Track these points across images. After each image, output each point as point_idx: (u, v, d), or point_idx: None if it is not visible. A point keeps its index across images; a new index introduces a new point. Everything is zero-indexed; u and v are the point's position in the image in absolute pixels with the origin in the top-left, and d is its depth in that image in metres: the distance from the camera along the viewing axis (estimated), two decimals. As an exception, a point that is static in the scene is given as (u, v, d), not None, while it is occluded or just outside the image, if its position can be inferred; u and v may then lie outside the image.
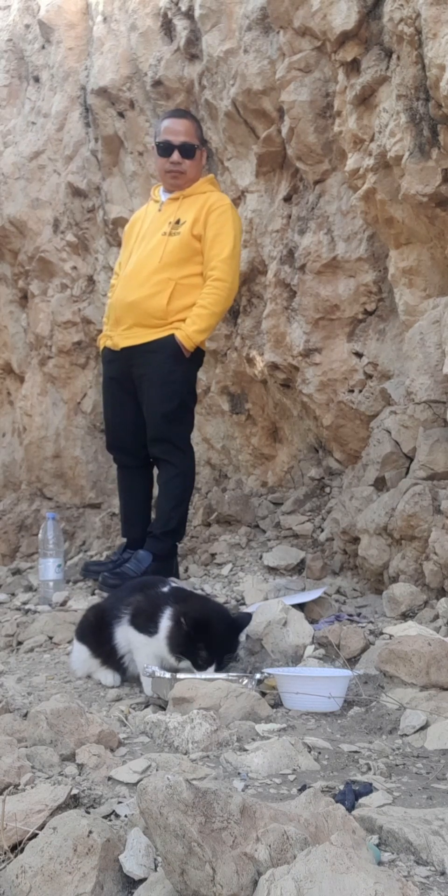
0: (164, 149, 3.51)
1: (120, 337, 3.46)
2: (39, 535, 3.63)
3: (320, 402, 3.77)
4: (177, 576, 3.41)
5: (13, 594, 3.69)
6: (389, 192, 3.08)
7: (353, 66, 3.12)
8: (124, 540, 3.64)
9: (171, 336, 3.34)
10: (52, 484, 5.75)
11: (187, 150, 3.49)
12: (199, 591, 3.02)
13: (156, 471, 3.60)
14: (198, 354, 3.48)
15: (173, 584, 2.36)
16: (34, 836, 1.05)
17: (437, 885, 0.98)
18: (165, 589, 2.26)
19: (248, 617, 2.25)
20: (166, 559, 3.40)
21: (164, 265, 3.39)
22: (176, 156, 3.48)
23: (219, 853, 0.90)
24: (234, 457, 4.78)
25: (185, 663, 2.03)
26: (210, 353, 4.44)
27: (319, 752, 1.53)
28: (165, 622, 2.08)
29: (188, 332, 3.32)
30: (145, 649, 2.09)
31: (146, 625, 2.10)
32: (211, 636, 2.03)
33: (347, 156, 3.30)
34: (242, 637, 2.28)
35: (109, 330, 3.57)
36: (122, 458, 3.64)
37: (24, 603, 3.45)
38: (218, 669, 2.02)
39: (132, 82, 4.67)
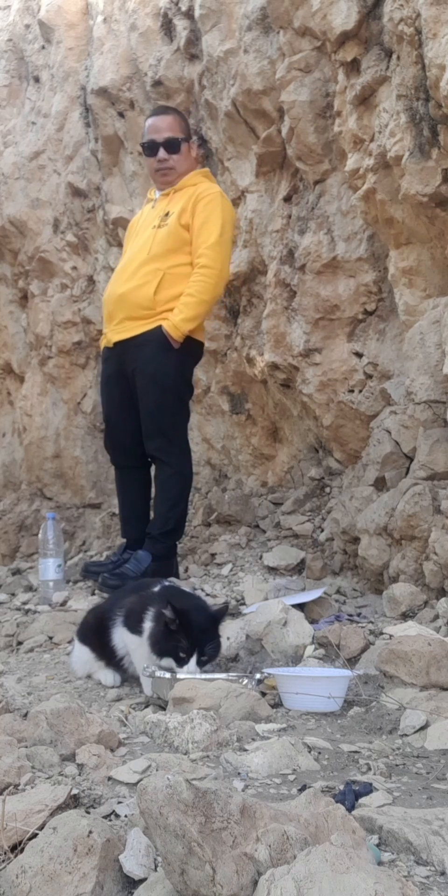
0: (150, 148, 3.48)
1: (113, 332, 3.45)
2: (39, 535, 3.63)
3: (320, 402, 3.77)
4: (177, 575, 3.41)
5: (13, 594, 3.69)
6: (389, 192, 3.08)
7: (353, 66, 3.12)
8: (124, 540, 3.64)
9: (160, 327, 3.29)
10: (52, 484, 5.75)
11: (172, 145, 3.45)
12: (197, 591, 3.02)
13: (154, 470, 3.59)
14: (192, 345, 3.41)
15: (165, 584, 2.36)
16: (34, 836, 1.05)
17: (437, 885, 0.98)
18: (156, 588, 2.26)
19: (225, 608, 2.21)
20: (166, 559, 3.40)
21: (153, 256, 3.35)
22: (161, 153, 3.45)
23: (219, 853, 0.90)
24: (234, 457, 4.78)
25: (167, 661, 2.01)
26: (210, 353, 4.44)
27: (319, 752, 1.53)
28: (148, 623, 2.08)
29: (175, 322, 3.26)
30: (139, 650, 2.09)
31: (136, 625, 2.11)
32: (189, 626, 2.01)
33: (347, 156, 3.30)
34: (230, 632, 2.27)
35: (105, 326, 3.57)
36: (118, 458, 3.63)
37: (24, 603, 3.45)
38: (199, 661, 1.99)
39: (132, 82, 4.67)
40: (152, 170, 3.54)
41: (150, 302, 3.32)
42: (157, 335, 3.30)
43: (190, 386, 3.55)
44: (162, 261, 3.34)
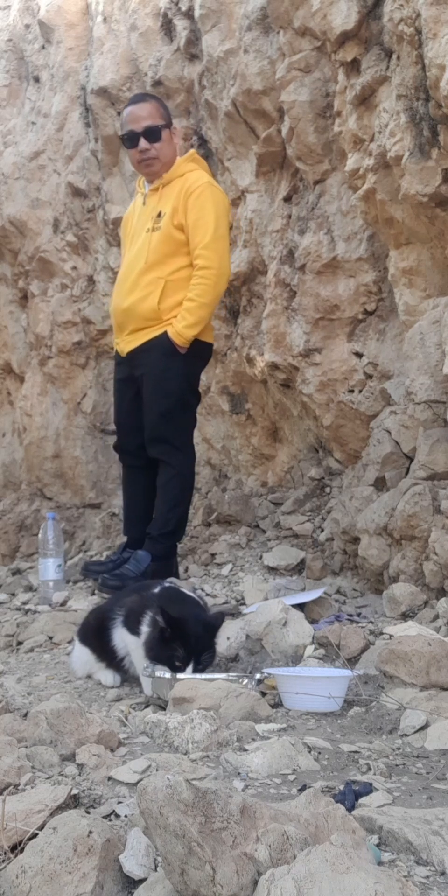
0: (130, 139, 3.37)
1: (124, 343, 3.46)
2: (39, 535, 3.63)
3: (320, 402, 3.77)
4: (177, 575, 3.41)
5: (13, 594, 3.69)
6: (389, 192, 3.08)
7: (353, 66, 3.12)
8: (124, 539, 3.64)
9: (165, 333, 3.29)
10: (52, 484, 5.75)
11: (152, 134, 3.32)
12: (198, 591, 3.02)
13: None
14: (200, 348, 3.39)
15: (165, 585, 2.35)
16: (34, 836, 1.05)
17: (437, 885, 0.98)
18: (155, 590, 2.26)
19: (222, 617, 2.18)
20: (165, 559, 3.40)
21: (151, 265, 3.32)
22: (142, 143, 3.33)
23: (219, 853, 0.90)
24: (234, 457, 4.78)
25: (162, 670, 2.00)
26: (210, 353, 4.44)
27: (319, 752, 1.53)
28: (144, 628, 2.08)
29: (178, 329, 3.25)
30: (139, 650, 2.09)
31: (135, 626, 2.11)
32: (186, 635, 2.00)
33: (347, 156, 3.30)
34: (224, 637, 2.27)
35: (116, 336, 3.57)
36: (126, 458, 3.63)
37: (24, 603, 3.45)
38: (196, 669, 1.98)
39: (132, 82, 4.67)
40: (135, 161, 3.43)
41: (155, 313, 3.31)
42: (163, 340, 3.30)
43: (196, 392, 3.53)
44: (161, 268, 3.31)
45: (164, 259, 3.32)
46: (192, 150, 3.65)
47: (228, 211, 3.53)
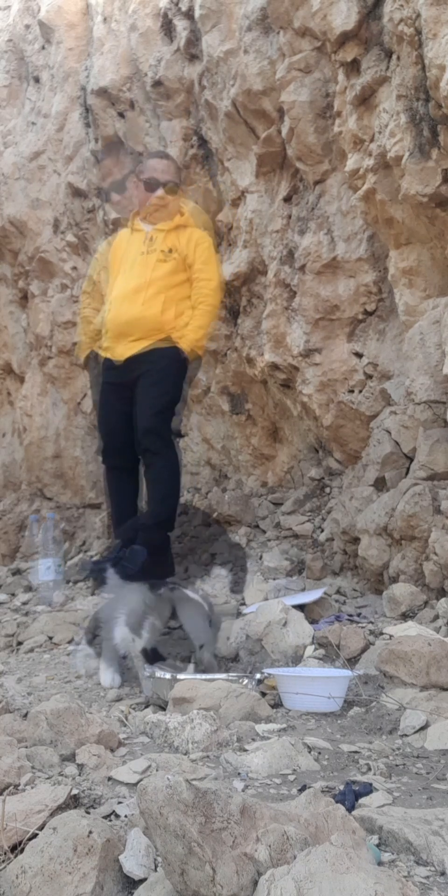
0: (152, 184, 3.74)
1: (124, 348, 3.59)
2: (39, 535, 3.63)
3: (320, 402, 3.77)
4: (173, 572, 3.43)
5: (13, 594, 3.69)
6: (389, 192, 3.08)
7: (353, 67, 3.12)
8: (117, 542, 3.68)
9: (168, 345, 3.51)
10: (52, 484, 5.75)
11: (172, 189, 3.75)
12: (199, 591, 3.01)
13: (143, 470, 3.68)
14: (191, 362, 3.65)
15: (169, 586, 2.36)
16: (34, 836, 1.05)
17: (437, 885, 0.98)
18: (160, 591, 2.27)
19: (219, 621, 2.21)
20: (160, 552, 3.42)
21: (152, 281, 3.61)
22: (160, 191, 3.72)
23: (219, 853, 0.90)
24: (234, 457, 4.77)
25: (162, 670, 2.01)
26: (210, 353, 4.44)
27: (319, 752, 1.53)
28: (148, 626, 2.09)
29: (190, 338, 3.51)
30: (140, 649, 2.10)
31: (137, 627, 2.11)
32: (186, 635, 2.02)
33: (347, 156, 3.30)
34: (230, 632, 2.27)
35: (111, 344, 3.66)
36: (113, 460, 3.71)
37: (24, 603, 3.45)
38: (196, 669, 2.00)
39: (132, 82, 4.67)
40: (145, 201, 3.76)
41: (158, 323, 3.54)
42: (165, 349, 3.51)
43: (184, 401, 3.69)
44: (160, 282, 3.60)
45: (164, 276, 3.62)
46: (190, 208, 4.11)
47: (213, 231, 4.02)
